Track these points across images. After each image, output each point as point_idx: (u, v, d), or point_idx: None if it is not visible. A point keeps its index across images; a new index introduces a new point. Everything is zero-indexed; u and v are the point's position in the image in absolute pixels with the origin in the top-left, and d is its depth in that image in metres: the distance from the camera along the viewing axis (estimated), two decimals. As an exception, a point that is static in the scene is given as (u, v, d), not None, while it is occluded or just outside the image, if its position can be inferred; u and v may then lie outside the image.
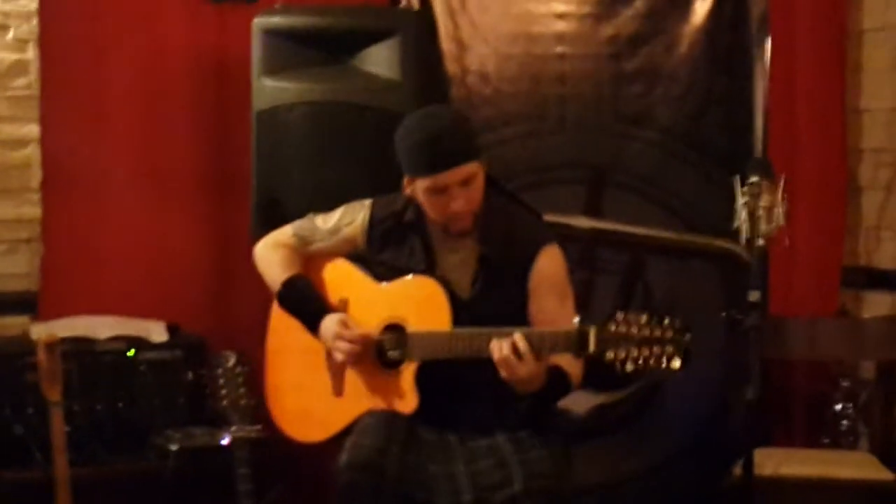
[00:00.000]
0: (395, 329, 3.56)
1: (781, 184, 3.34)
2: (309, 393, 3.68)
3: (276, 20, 4.40)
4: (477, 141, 3.55)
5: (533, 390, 3.35)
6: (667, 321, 3.18)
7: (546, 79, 4.73)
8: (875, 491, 4.34)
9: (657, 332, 3.17)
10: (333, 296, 3.69)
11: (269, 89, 4.37)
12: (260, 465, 3.83)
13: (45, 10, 4.62)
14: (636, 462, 4.70)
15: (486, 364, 3.34)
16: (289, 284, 3.69)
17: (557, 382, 3.41)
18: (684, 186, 4.72)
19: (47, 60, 4.63)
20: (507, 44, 4.74)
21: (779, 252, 3.94)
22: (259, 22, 4.40)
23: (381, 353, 3.58)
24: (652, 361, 3.18)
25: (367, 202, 3.71)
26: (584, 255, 4.66)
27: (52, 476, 3.77)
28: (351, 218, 3.70)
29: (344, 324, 3.57)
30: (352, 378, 3.62)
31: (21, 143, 4.62)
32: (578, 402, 4.52)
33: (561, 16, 4.74)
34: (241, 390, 3.79)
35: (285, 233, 3.78)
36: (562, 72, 4.74)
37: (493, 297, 3.52)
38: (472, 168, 3.48)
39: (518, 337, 3.29)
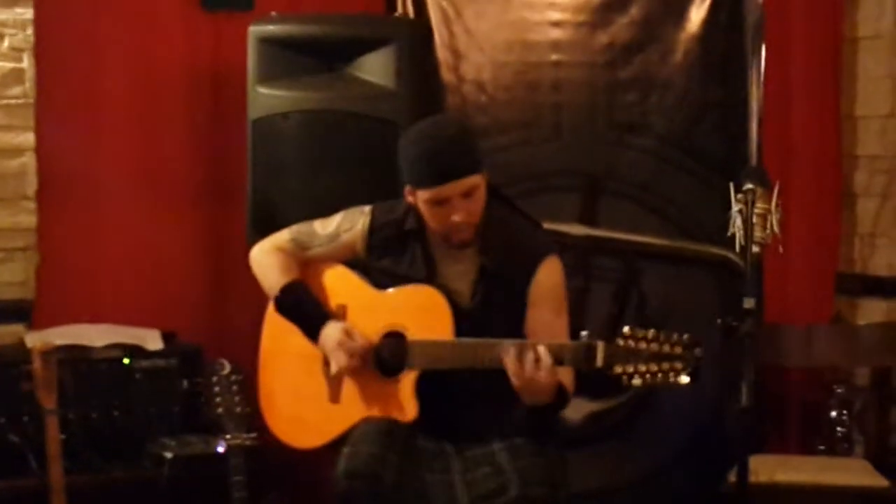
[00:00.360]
0: (394, 337, 3.55)
1: (776, 191, 3.34)
2: (304, 399, 3.66)
3: (271, 28, 4.41)
4: (479, 153, 3.53)
5: (542, 402, 3.36)
6: (675, 336, 3.20)
7: (541, 87, 4.74)
8: (870, 497, 4.35)
9: (665, 348, 3.20)
10: (332, 302, 3.67)
11: (265, 97, 4.37)
12: (255, 473, 3.82)
13: (40, 20, 4.63)
14: (631, 469, 4.70)
15: (485, 374, 3.34)
16: (288, 290, 3.66)
17: (560, 395, 3.41)
18: (679, 194, 4.72)
19: (43, 69, 4.63)
20: (502, 52, 4.75)
21: (774, 259, 3.94)
22: (254, 30, 4.41)
23: (380, 360, 3.57)
24: (660, 377, 3.20)
25: (368, 208, 3.68)
26: (580, 263, 4.66)
27: (48, 484, 3.76)
28: (350, 224, 3.67)
29: (348, 333, 3.54)
30: (349, 385, 3.60)
31: (17, 151, 4.62)
32: (573, 409, 4.50)
33: (556, 24, 4.74)
34: (237, 398, 3.78)
35: (283, 237, 3.74)
36: (557, 80, 4.74)
37: (493, 308, 3.52)
38: (474, 181, 3.47)
39: (542, 349, 3.29)
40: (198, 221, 4.90)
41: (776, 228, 3.33)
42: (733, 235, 3.44)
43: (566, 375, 3.44)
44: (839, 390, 4.99)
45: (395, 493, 3.36)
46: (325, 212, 3.76)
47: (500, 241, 3.55)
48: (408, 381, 3.49)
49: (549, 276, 3.54)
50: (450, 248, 3.55)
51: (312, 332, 3.60)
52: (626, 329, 3.24)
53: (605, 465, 4.68)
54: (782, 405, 5.09)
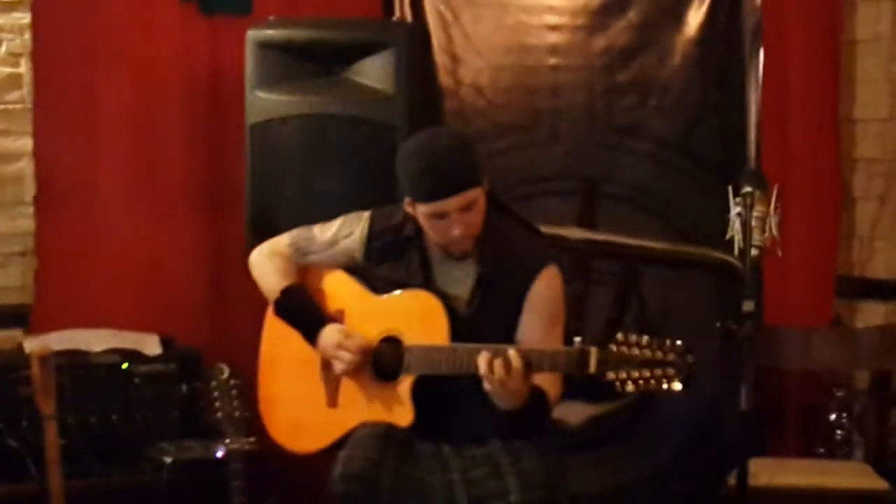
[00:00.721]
0: (391, 342, 3.56)
1: (775, 194, 3.34)
2: (303, 403, 3.67)
3: (269, 33, 4.40)
4: (479, 164, 3.49)
5: (514, 407, 3.35)
6: (668, 343, 3.20)
7: (539, 90, 4.74)
8: (869, 500, 4.35)
9: (658, 355, 3.20)
10: (330, 307, 3.68)
11: (263, 102, 4.37)
12: (254, 478, 3.82)
13: (38, 24, 4.62)
14: (631, 472, 4.70)
15: (480, 379, 3.34)
16: (287, 293, 3.67)
17: (536, 402, 3.40)
18: (678, 197, 4.72)
19: (40, 74, 4.63)
20: (500, 56, 4.74)
21: (773, 262, 3.94)
22: (252, 35, 4.40)
23: (378, 365, 3.57)
24: (653, 383, 3.21)
25: (366, 214, 3.68)
26: (578, 267, 4.66)
27: (47, 489, 3.76)
28: (349, 230, 3.67)
29: (346, 334, 3.56)
30: (347, 389, 3.61)
31: (14, 156, 4.61)
32: (572, 413, 4.52)
33: (554, 28, 4.74)
34: (236, 403, 3.78)
35: (282, 242, 3.75)
36: (555, 83, 4.74)
37: (490, 315, 3.51)
38: (474, 194, 3.45)
39: (513, 353, 3.29)
40: (196, 226, 4.89)
41: (775, 231, 3.33)
42: (732, 238, 3.44)
43: (551, 382, 3.44)
44: (839, 393, 4.99)
45: (393, 497, 3.37)
46: (324, 216, 3.76)
47: (498, 250, 3.54)
48: (405, 385, 3.50)
49: (546, 286, 3.52)
50: (449, 257, 3.55)
51: (311, 335, 3.61)
52: (619, 335, 3.24)
53: (604, 468, 4.67)
54: (782, 408, 5.09)
